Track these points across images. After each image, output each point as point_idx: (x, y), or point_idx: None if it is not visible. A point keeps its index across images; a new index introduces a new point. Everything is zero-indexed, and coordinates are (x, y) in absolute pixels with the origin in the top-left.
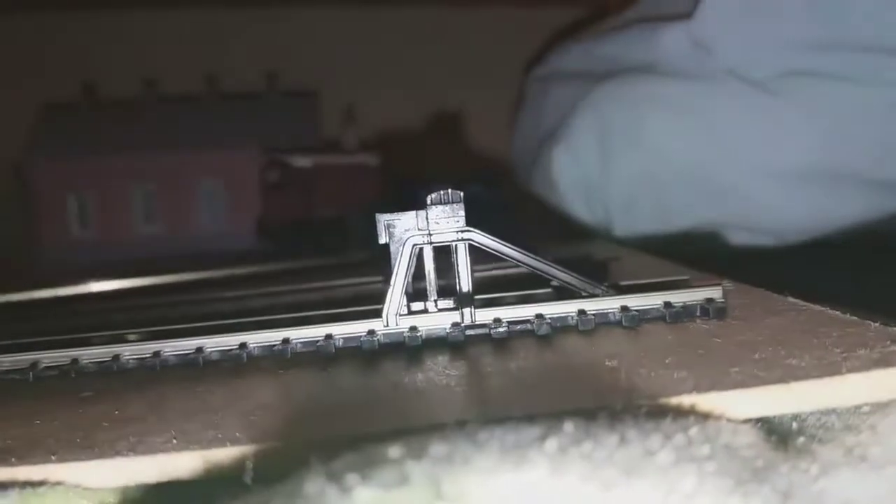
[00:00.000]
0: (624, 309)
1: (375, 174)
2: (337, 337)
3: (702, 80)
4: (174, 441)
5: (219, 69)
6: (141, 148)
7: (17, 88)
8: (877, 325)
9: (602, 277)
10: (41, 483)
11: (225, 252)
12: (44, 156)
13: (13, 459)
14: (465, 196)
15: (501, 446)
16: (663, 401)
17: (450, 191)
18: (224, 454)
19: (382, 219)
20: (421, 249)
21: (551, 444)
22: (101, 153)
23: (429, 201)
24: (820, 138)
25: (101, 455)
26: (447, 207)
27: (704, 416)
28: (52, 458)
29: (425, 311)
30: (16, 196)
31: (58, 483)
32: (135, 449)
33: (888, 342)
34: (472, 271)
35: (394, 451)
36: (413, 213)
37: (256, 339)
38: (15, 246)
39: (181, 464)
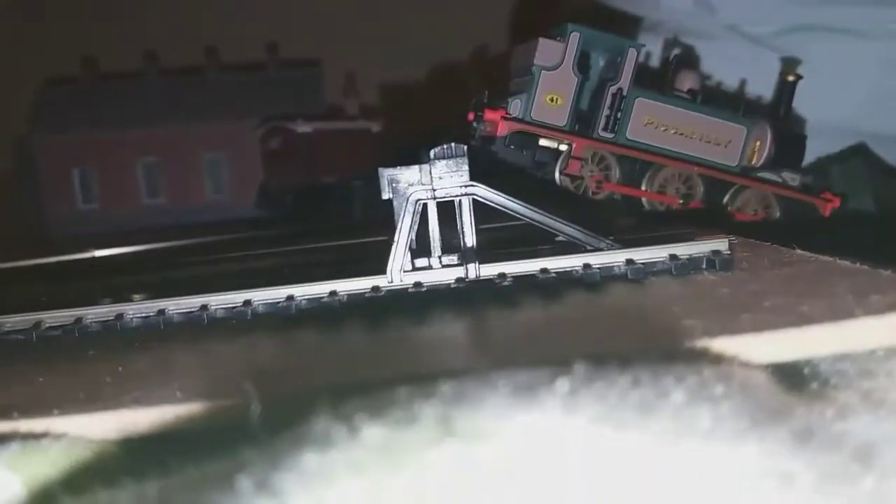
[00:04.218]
0: (629, 262)
1: (376, 140)
2: (342, 293)
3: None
4: (178, 394)
5: (219, 40)
6: (144, 121)
7: (18, 63)
8: (889, 273)
9: (607, 232)
10: (44, 435)
11: (228, 221)
12: (48, 131)
13: (15, 413)
14: None
15: (513, 386)
16: (673, 346)
17: (453, 145)
18: (229, 404)
19: (385, 173)
20: (425, 205)
21: (563, 384)
22: (104, 127)
23: (432, 155)
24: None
25: (105, 408)
26: (451, 162)
27: (717, 360)
28: (55, 412)
29: (429, 267)
30: (21, 170)
31: (61, 435)
32: (139, 401)
33: None
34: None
35: (402, 392)
36: (416, 167)
37: (261, 295)
38: (21, 219)
39: (185, 414)
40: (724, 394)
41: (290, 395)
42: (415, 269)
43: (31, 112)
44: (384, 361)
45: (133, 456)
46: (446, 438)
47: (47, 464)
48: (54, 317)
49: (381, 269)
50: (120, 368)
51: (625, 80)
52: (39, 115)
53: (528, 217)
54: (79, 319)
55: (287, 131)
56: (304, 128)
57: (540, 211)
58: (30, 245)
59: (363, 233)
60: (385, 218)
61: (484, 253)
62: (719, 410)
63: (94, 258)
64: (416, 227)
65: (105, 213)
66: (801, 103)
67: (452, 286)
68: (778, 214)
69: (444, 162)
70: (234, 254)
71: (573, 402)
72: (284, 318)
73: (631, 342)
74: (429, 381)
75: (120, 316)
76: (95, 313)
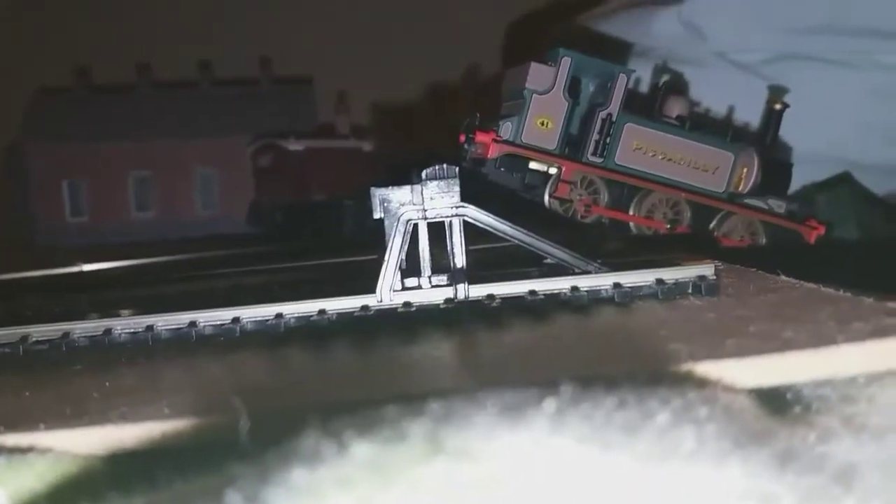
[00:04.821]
0: (616, 285)
1: (367, 159)
2: (331, 312)
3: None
4: (166, 411)
5: (212, 55)
6: (136, 134)
7: (11, 72)
8: (871, 300)
9: (595, 255)
10: (30, 450)
11: (219, 236)
12: (39, 141)
13: (0, 427)
14: None
15: (501, 406)
16: (659, 369)
17: (445, 166)
18: (217, 420)
19: (377, 193)
20: (416, 225)
21: (550, 404)
22: (96, 139)
23: (424, 176)
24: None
25: (91, 423)
26: (442, 183)
27: (701, 384)
28: (41, 426)
29: (419, 287)
30: (11, 180)
31: (47, 450)
32: (125, 417)
33: (883, 315)
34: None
35: (391, 410)
36: (408, 187)
37: (250, 313)
38: (10, 230)
39: (173, 430)
40: (708, 416)
41: (279, 411)
42: (404, 288)
43: (22, 121)
44: (373, 380)
45: (120, 471)
46: (434, 456)
47: (33, 478)
48: (41, 331)
49: (370, 288)
50: (107, 383)
51: (614, 106)
52: (31, 125)
53: (517, 239)
54: (66, 334)
55: (278, 149)
56: (295, 145)
57: (529, 233)
58: (18, 257)
59: (353, 251)
60: (376, 237)
61: (473, 274)
62: (703, 432)
63: (82, 272)
64: (406, 246)
65: (94, 226)
66: (788, 131)
67: (442, 306)
68: (764, 241)
69: (435, 183)
70: (224, 270)
71: (560, 422)
72: (273, 335)
73: (617, 364)
74: (417, 400)
75: (108, 331)
76: (83, 328)
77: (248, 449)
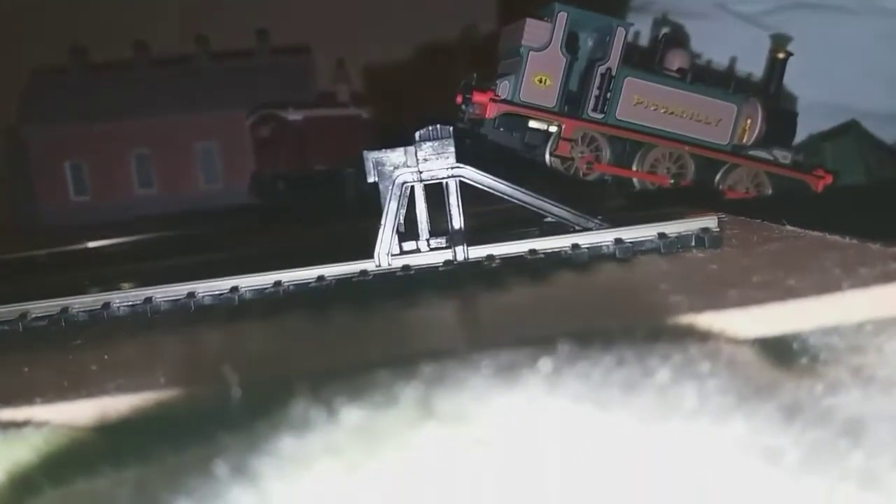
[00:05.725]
0: (618, 241)
1: (367, 127)
2: (329, 278)
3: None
4: (162, 381)
5: (209, 28)
6: (135, 112)
7: (7, 53)
8: (877, 246)
9: (598, 212)
10: (26, 423)
11: (220, 208)
12: (39, 122)
13: None
14: None
15: (496, 367)
16: (659, 323)
17: (439, 127)
18: (210, 390)
19: (370, 156)
20: (412, 188)
21: (545, 364)
22: (95, 118)
23: (417, 137)
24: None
25: (88, 396)
26: (437, 144)
27: (703, 337)
28: (38, 400)
29: (417, 250)
30: (12, 162)
31: (43, 423)
32: (122, 389)
33: (890, 260)
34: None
35: (382, 374)
36: (402, 149)
37: (248, 282)
38: (13, 211)
39: (167, 401)
40: (710, 371)
41: (270, 379)
42: (403, 252)
43: (21, 103)
44: (369, 345)
45: (114, 443)
46: (426, 420)
47: (28, 451)
48: (41, 307)
49: (369, 253)
50: (105, 356)
51: (613, 60)
52: (30, 107)
53: (515, 198)
54: (65, 309)
55: (278, 119)
56: (294, 115)
57: (528, 192)
58: (23, 237)
59: (355, 218)
60: (377, 202)
61: (472, 235)
62: (705, 388)
63: (86, 249)
64: (403, 210)
65: (98, 205)
66: (792, 81)
67: (441, 269)
68: (770, 192)
69: (429, 144)
70: (226, 241)
71: (556, 382)
72: (272, 303)
73: (617, 320)
74: (411, 364)
75: (107, 305)
76: (82, 303)
77: (239, 418)
